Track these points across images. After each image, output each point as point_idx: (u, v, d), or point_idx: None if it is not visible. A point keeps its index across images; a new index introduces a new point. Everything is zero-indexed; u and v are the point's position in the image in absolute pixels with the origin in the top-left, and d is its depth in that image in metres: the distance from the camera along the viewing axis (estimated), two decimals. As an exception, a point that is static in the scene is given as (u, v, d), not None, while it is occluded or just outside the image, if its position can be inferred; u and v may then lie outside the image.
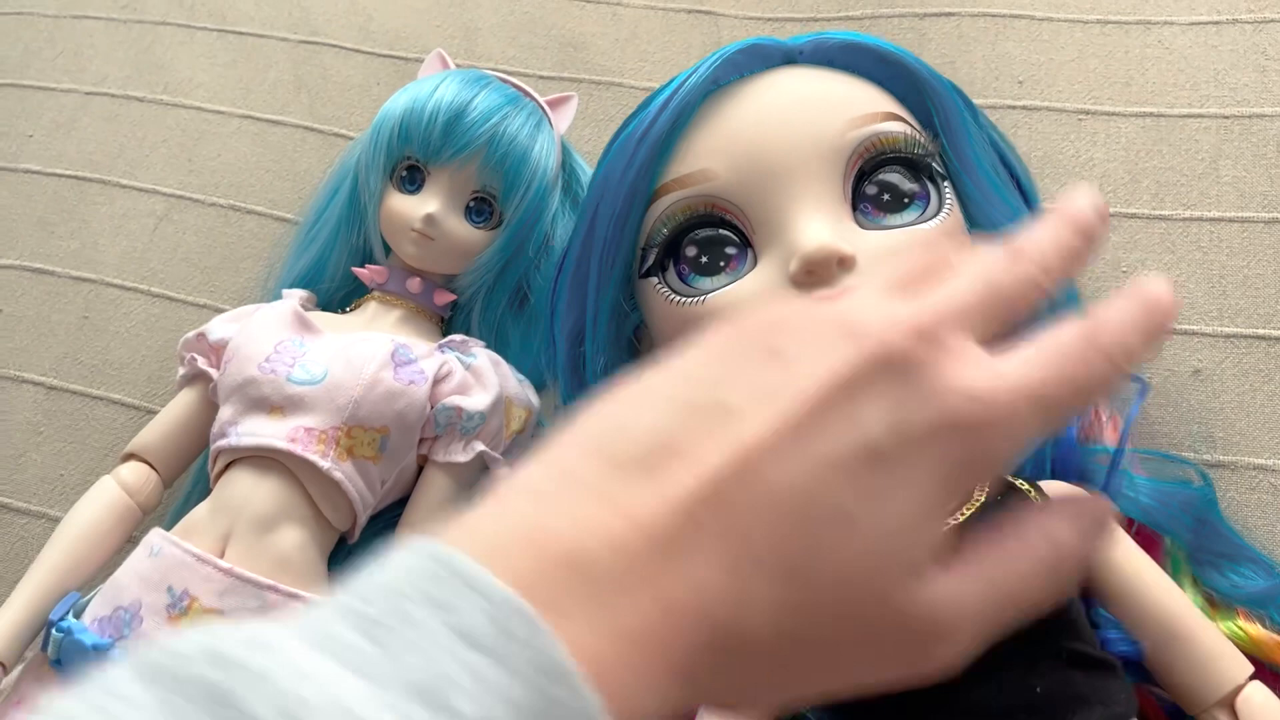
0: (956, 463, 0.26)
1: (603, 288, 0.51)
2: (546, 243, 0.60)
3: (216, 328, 0.57)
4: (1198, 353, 0.57)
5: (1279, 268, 0.58)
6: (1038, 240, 0.29)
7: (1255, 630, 0.48)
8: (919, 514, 0.26)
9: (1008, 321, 0.28)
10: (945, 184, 0.50)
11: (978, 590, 0.27)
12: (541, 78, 0.71)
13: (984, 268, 0.29)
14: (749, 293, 0.47)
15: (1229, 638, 0.46)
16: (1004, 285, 0.28)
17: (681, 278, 0.50)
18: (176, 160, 0.70)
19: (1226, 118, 0.62)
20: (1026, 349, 0.27)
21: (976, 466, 0.26)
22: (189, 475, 0.58)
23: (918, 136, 0.49)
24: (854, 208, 0.48)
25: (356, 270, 0.59)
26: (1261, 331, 0.57)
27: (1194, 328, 0.57)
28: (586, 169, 0.64)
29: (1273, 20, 0.65)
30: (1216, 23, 0.65)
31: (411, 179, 0.58)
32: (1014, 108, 0.65)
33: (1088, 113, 0.64)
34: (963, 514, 0.45)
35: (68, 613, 0.49)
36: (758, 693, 0.27)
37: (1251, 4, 0.65)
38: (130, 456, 0.55)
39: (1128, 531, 0.48)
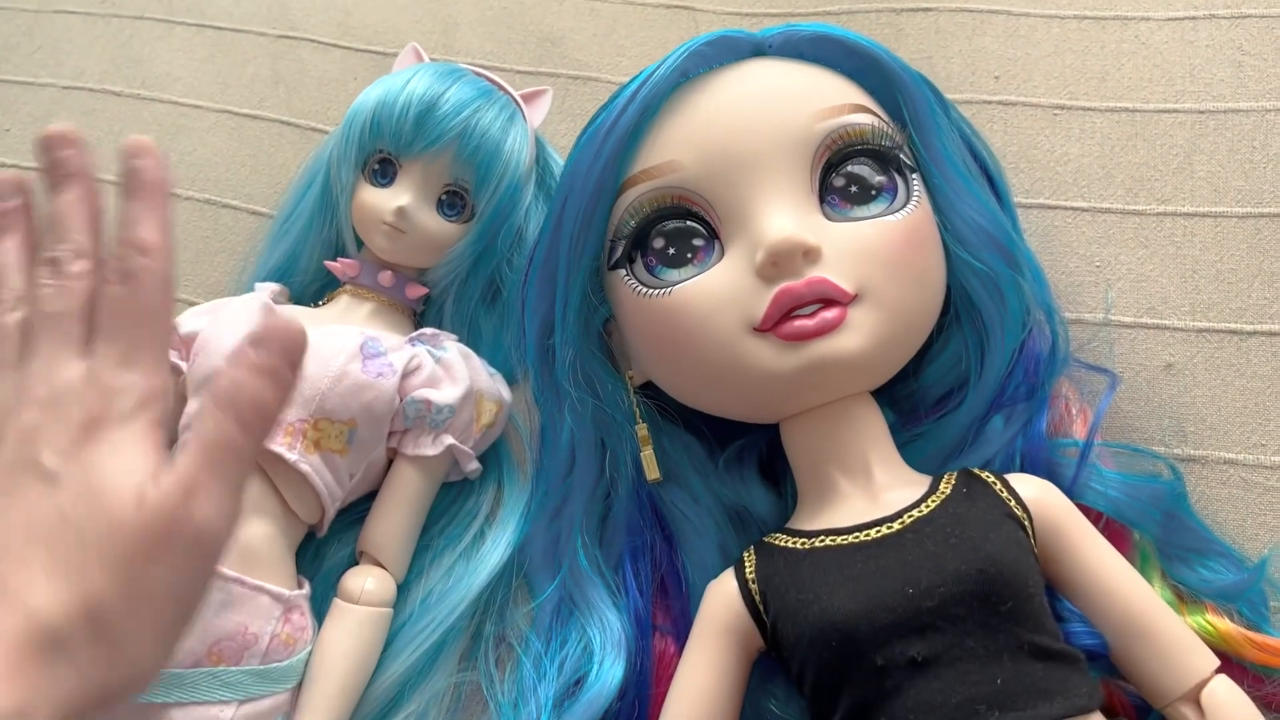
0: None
1: (571, 280, 0.51)
2: (519, 236, 0.60)
3: (187, 320, 0.56)
4: (1170, 347, 0.57)
5: (1252, 262, 0.58)
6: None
7: (1224, 625, 0.48)
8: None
9: None
10: (914, 176, 0.50)
11: (192, 457, 0.36)
12: (519, 72, 0.71)
13: None
14: (716, 284, 0.47)
15: (1197, 632, 0.46)
16: None
17: (649, 269, 0.49)
18: (153, 154, 0.70)
19: (1202, 113, 0.62)
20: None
21: None
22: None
23: (886, 128, 0.49)
24: (821, 200, 0.48)
25: (329, 264, 0.59)
26: (1234, 326, 0.56)
27: (1166, 322, 0.57)
28: (561, 163, 0.63)
29: (1249, 15, 0.64)
30: (1193, 18, 0.65)
31: (384, 172, 0.57)
32: (990, 103, 0.65)
33: (1063, 108, 0.64)
34: (926, 506, 0.45)
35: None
36: (108, 676, 0.34)
37: None
38: (99, 448, 0.55)
39: (1096, 525, 0.47)
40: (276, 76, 0.73)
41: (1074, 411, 0.52)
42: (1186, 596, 0.49)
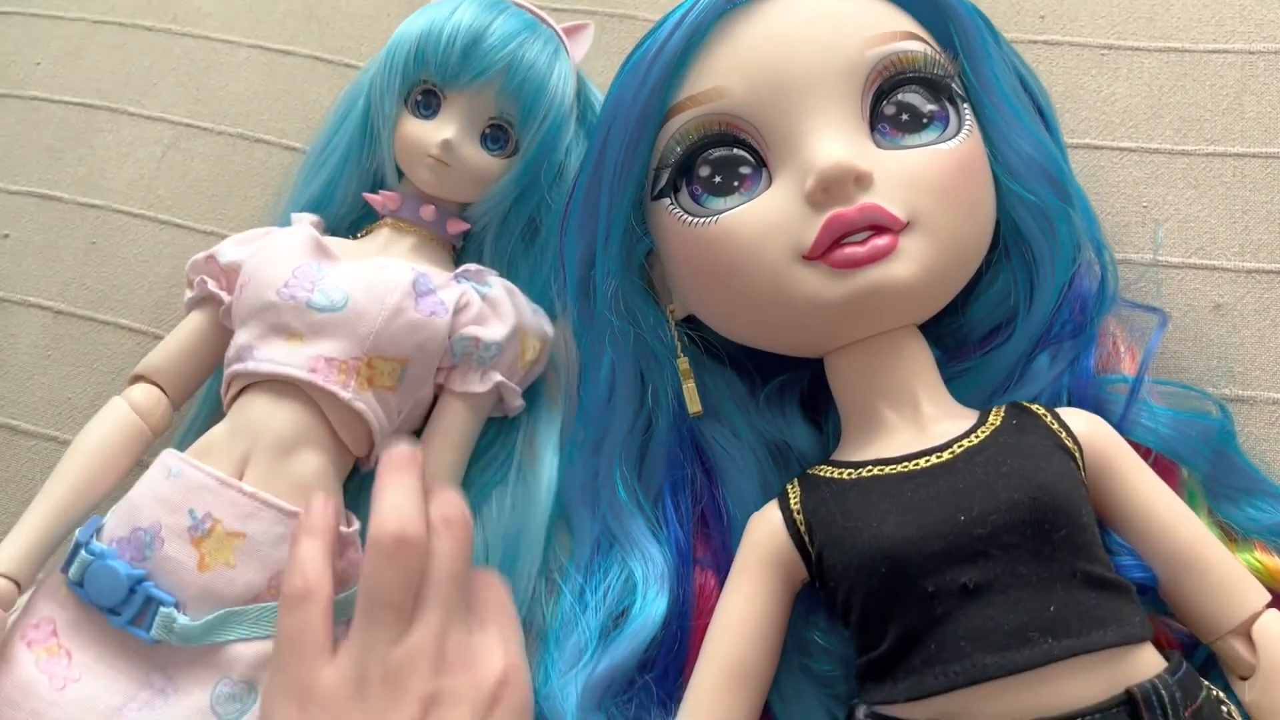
0: None
1: (614, 210, 0.51)
2: (560, 173, 0.59)
3: (227, 250, 0.56)
4: (1219, 287, 0.56)
5: (1302, 203, 0.57)
6: None
7: (1273, 561, 0.48)
8: None
9: None
10: (965, 105, 0.49)
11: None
12: (554, 9, 0.69)
13: None
14: (764, 212, 0.47)
15: (1246, 568, 0.46)
16: None
17: (694, 198, 0.49)
18: (185, 89, 0.69)
19: (1252, 53, 0.61)
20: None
21: None
22: (195, 398, 0.58)
23: (937, 56, 0.49)
24: (872, 128, 0.48)
25: (368, 196, 0.58)
26: (1283, 267, 0.56)
27: (1215, 262, 0.57)
28: (601, 100, 0.63)
29: (1300, -45, 0.64)
30: (1243, -43, 0.64)
31: (427, 104, 0.57)
32: (1035, 42, 0.64)
33: (1111, 48, 0.63)
34: (976, 436, 0.45)
35: (93, 536, 0.49)
36: None
37: (1278, -60, 0.64)
38: (139, 379, 0.55)
39: (1146, 460, 0.47)
40: (309, 12, 0.72)
41: (1122, 349, 0.52)
42: (1235, 534, 0.49)
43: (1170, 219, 0.58)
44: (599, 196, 0.52)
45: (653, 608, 0.49)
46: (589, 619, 0.50)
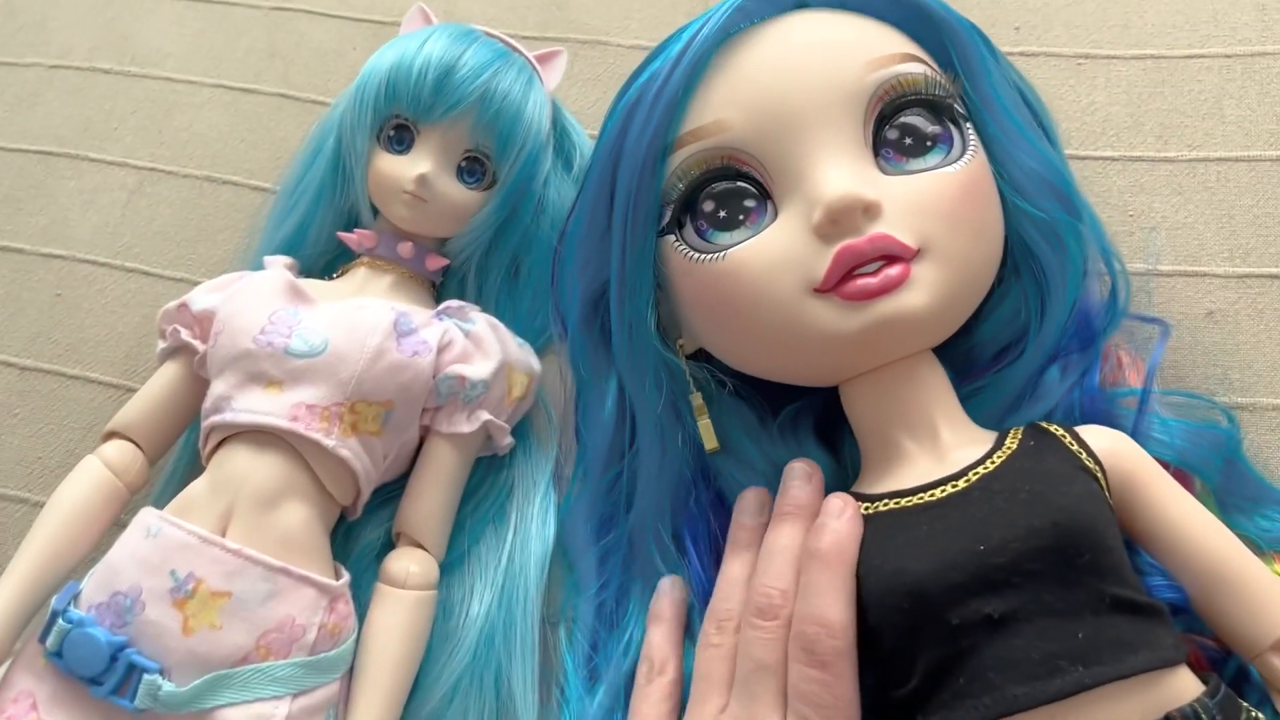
0: None
1: (628, 249, 0.49)
2: (541, 204, 0.58)
3: (199, 297, 0.54)
4: (1211, 294, 0.56)
5: (1289, 205, 0.57)
6: None
7: None
8: None
9: None
10: (968, 125, 0.48)
11: None
12: (524, 37, 0.68)
13: None
14: (772, 245, 0.46)
15: None
16: None
17: (700, 234, 0.48)
18: (147, 132, 0.68)
19: (1229, 57, 0.61)
20: None
21: None
22: (173, 451, 0.56)
23: (938, 77, 0.48)
24: (875, 153, 0.47)
25: (343, 235, 0.57)
26: (1274, 270, 0.56)
27: (1205, 269, 0.56)
28: (578, 128, 0.62)
29: (1269, -41, 0.64)
30: (1213, -37, 0.64)
31: (400, 139, 0.55)
32: (1012, 54, 0.63)
33: (1087, 57, 0.63)
34: (993, 461, 0.44)
35: (70, 603, 0.47)
36: None
37: (1247, -57, 0.64)
38: (112, 435, 0.53)
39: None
40: (272, 49, 0.70)
41: (1125, 362, 0.52)
42: (1250, 547, 0.48)
43: (1157, 227, 0.58)
44: (607, 235, 0.50)
45: (687, 672, 0.48)
46: (613, 675, 0.49)
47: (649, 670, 0.47)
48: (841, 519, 0.44)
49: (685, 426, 0.51)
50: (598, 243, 0.51)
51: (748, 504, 0.49)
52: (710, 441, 0.51)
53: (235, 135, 0.67)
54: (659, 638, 0.48)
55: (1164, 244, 0.57)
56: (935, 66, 0.49)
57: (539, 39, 0.69)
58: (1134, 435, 0.48)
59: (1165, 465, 0.47)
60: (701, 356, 0.52)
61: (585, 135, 0.61)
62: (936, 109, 0.48)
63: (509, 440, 0.55)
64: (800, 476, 0.47)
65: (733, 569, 0.47)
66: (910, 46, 0.49)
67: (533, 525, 0.54)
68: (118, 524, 0.51)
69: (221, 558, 0.46)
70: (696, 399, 0.51)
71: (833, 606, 0.42)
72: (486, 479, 0.56)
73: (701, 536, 0.51)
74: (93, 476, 0.51)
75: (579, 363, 0.54)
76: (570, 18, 0.69)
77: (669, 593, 0.50)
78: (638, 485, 0.52)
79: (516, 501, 0.55)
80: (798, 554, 0.44)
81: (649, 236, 0.49)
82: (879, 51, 0.47)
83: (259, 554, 0.47)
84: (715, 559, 0.51)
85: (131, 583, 0.46)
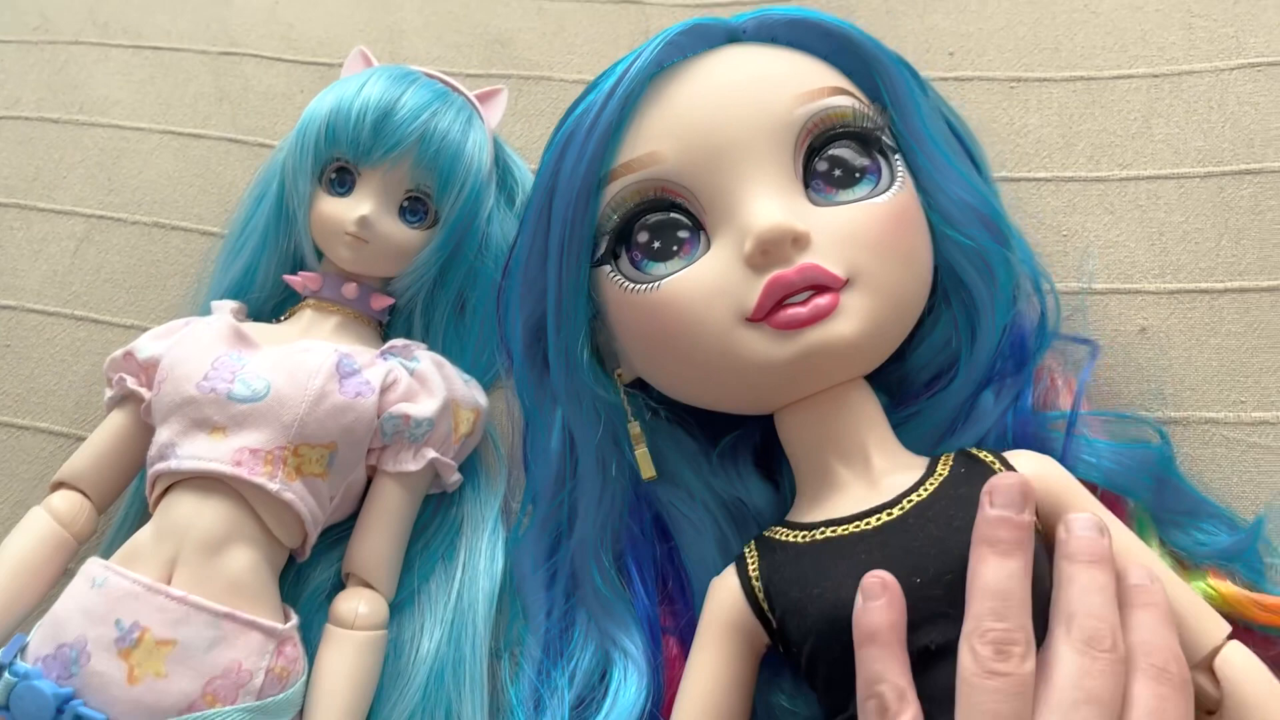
0: None
1: (564, 280, 0.50)
2: (484, 240, 0.59)
3: (145, 345, 0.55)
4: (1143, 311, 0.57)
5: (1217, 220, 0.58)
6: None
7: (1227, 588, 0.48)
8: None
9: None
10: (896, 157, 0.49)
11: None
12: (469, 75, 0.70)
13: None
14: (704, 276, 0.47)
15: (1203, 597, 0.46)
16: None
17: (635, 264, 0.49)
18: (96, 180, 0.68)
19: (1156, 76, 0.62)
20: None
21: None
22: (122, 500, 0.56)
23: (866, 110, 0.49)
24: (805, 184, 0.48)
25: (288, 278, 0.57)
26: (1204, 285, 0.57)
27: (1138, 286, 0.57)
28: (520, 164, 0.62)
29: (1194, -22, 0.65)
30: (1140, -16, 0.66)
31: (341, 181, 0.56)
32: (946, 79, 0.65)
33: (1019, 80, 0.64)
34: (926, 488, 0.45)
35: (16, 656, 0.47)
36: None
37: (1174, -37, 0.66)
38: (60, 485, 0.53)
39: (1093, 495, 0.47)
40: (220, 94, 0.71)
41: (1059, 384, 0.52)
42: (1187, 562, 0.49)
43: (1091, 246, 0.59)
44: (544, 266, 0.51)
45: (632, 701, 0.49)
46: (557, 705, 0.50)
47: (879, 707, 0.39)
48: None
49: (624, 455, 0.52)
50: (537, 273, 0.52)
51: (1013, 496, 0.42)
52: (648, 470, 0.51)
53: (184, 180, 0.68)
54: (883, 665, 0.40)
55: (1098, 262, 0.58)
56: (864, 99, 0.50)
57: (483, 76, 0.69)
58: (1063, 458, 0.48)
59: (1094, 487, 0.48)
60: (640, 386, 0.53)
61: (527, 171, 0.62)
62: (865, 141, 0.48)
63: (457, 477, 0.55)
64: (1097, 528, 0.43)
65: (998, 578, 0.40)
66: (839, 80, 0.50)
67: (481, 561, 0.54)
68: (68, 573, 0.51)
69: (166, 605, 0.47)
70: (634, 428, 0.52)
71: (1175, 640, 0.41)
72: (436, 516, 0.56)
73: (646, 562, 0.52)
74: (39, 529, 0.51)
75: (524, 394, 0.55)
76: (513, 54, 0.70)
77: (881, 596, 0.41)
78: (578, 512, 0.52)
79: (465, 538, 0.55)
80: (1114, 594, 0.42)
81: (584, 267, 0.50)
82: (808, 85, 0.48)
83: (204, 600, 0.47)
84: (661, 584, 0.52)
85: (77, 634, 0.46)
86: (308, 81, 0.71)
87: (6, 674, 0.46)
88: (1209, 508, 0.51)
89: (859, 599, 0.41)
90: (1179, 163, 0.60)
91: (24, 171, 0.69)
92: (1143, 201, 0.59)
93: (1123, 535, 0.45)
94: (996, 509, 0.41)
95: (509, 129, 0.66)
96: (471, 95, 0.60)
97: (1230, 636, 0.44)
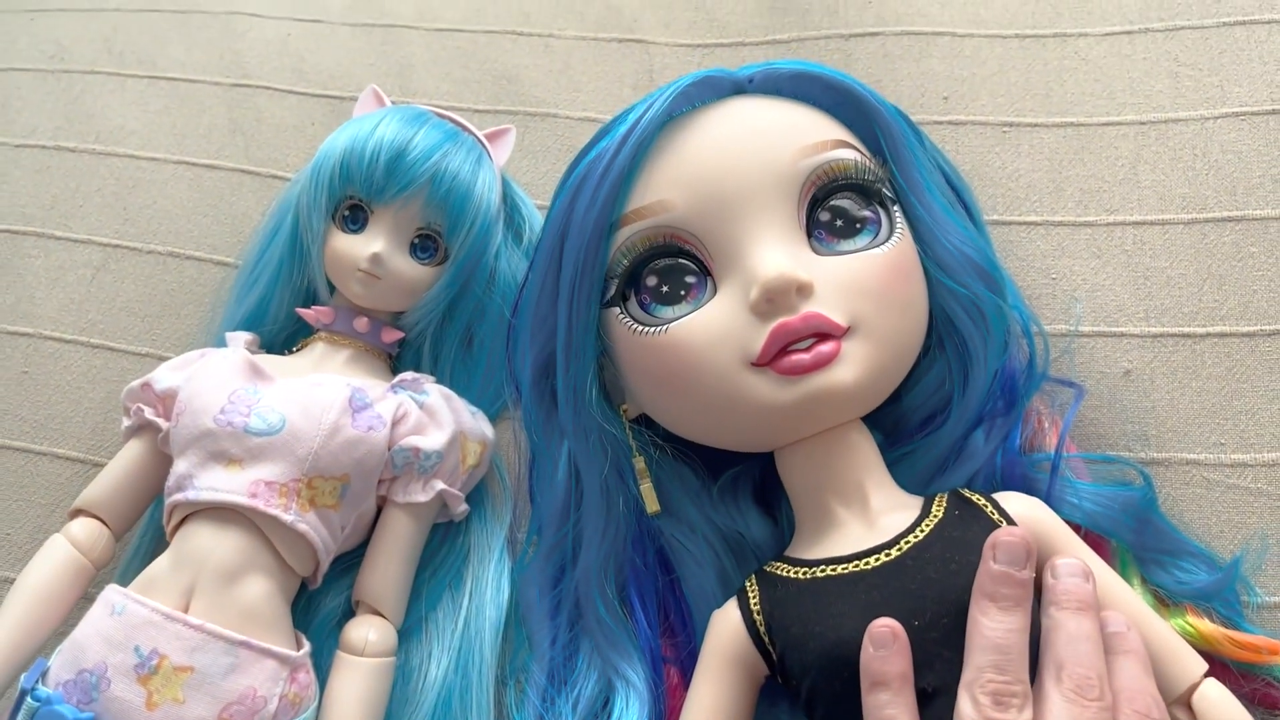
0: None
1: (575, 321, 0.52)
2: (492, 276, 0.60)
3: (162, 377, 0.56)
4: (1128, 354, 0.59)
5: (1200, 266, 0.60)
6: None
7: (1205, 625, 0.50)
8: None
9: None
10: (895, 208, 0.51)
11: None
12: (476, 111, 0.71)
13: None
14: (711, 321, 0.48)
15: (1181, 635, 0.48)
16: None
17: (643, 307, 0.50)
18: (111, 209, 0.70)
19: (1143, 124, 0.64)
20: None
21: None
22: (138, 526, 0.58)
23: (868, 163, 0.51)
24: (809, 234, 0.50)
25: (302, 311, 0.59)
26: (1186, 330, 0.59)
27: (1123, 330, 0.59)
28: (528, 202, 0.64)
29: (1182, 27, 0.67)
30: (1129, 32, 0.68)
31: (354, 218, 0.58)
32: (940, 123, 0.67)
33: (1011, 125, 0.66)
34: (922, 530, 0.47)
35: (38, 681, 0.48)
36: None
37: (1162, 12, 0.68)
38: (79, 512, 0.55)
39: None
40: (233, 125, 0.73)
41: (1046, 425, 0.54)
42: (1167, 600, 0.51)
43: (1078, 289, 0.60)
44: (555, 305, 0.53)
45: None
46: None
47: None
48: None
49: (629, 488, 0.54)
50: (547, 313, 0.54)
51: (1016, 553, 0.44)
52: (652, 504, 0.53)
53: (198, 211, 0.69)
54: (895, 710, 0.42)
55: (1085, 306, 0.60)
56: (865, 151, 0.52)
57: (491, 112, 0.71)
58: (1047, 499, 0.50)
59: (1077, 527, 0.50)
60: (645, 421, 0.54)
61: (535, 209, 0.64)
62: (866, 193, 0.50)
63: (464, 508, 0.57)
64: (1083, 574, 0.45)
65: (1000, 632, 0.42)
66: (841, 132, 0.52)
67: (488, 590, 0.56)
68: (85, 598, 0.53)
69: (184, 633, 0.48)
70: (639, 462, 0.54)
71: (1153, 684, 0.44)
72: (443, 545, 0.58)
73: (649, 594, 0.54)
74: (59, 556, 0.53)
75: (532, 428, 0.57)
76: (521, 92, 0.72)
77: (892, 645, 0.43)
78: (583, 543, 0.54)
79: (472, 567, 0.57)
80: (1099, 640, 0.44)
81: (593, 308, 0.52)
82: (811, 138, 0.50)
83: (220, 628, 0.49)
84: (662, 615, 0.53)
85: (97, 660, 0.48)
86: (319, 114, 0.72)
87: (29, 699, 0.48)
88: (1189, 547, 0.53)
89: (868, 645, 0.43)
90: (1164, 209, 0.62)
91: (41, 200, 0.70)
92: (1129, 246, 0.61)
93: (1105, 575, 0.47)
94: (1000, 565, 0.43)
95: (515, 165, 0.68)
96: (481, 134, 0.61)
97: (1207, 673, 0.46)
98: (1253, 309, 0.59)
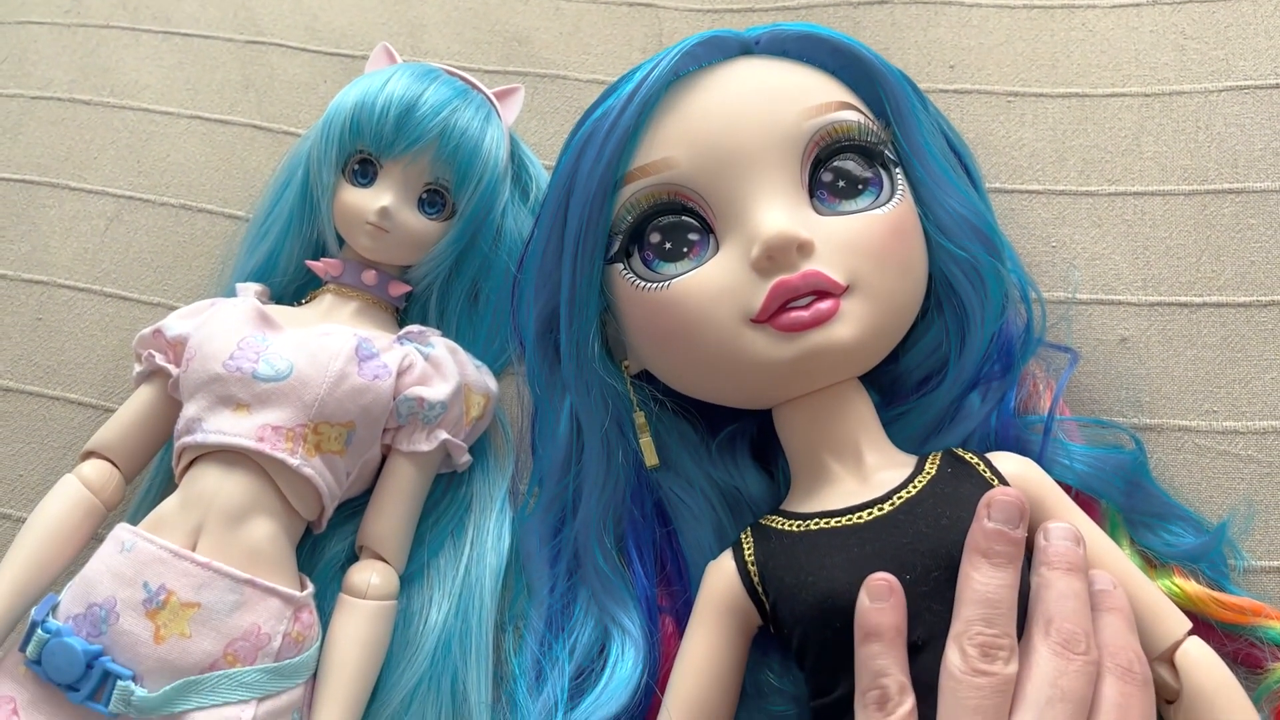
0: None
1: (579, 276, 0.53)
2: (499, 233, 0.61)
3: (173, 324, 0.57)
4: (1124, 321, 0.59)
5: (1199, 237, 0.61)
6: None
7: (1191, 586, 0.51)
8: None
9: None
10: (897, 170, 0.52)
11: None
12: (487, 72, 0.72)
13: None
14: (712, 277, 0.49)
15: (1167, 595, 0.49)
16: None
17: (646, 263, 0.51)
18: (125, 161, 0.71)
19: (1148, 96, 0.65)
20: None
21: None
22: (148, 470, 0.59)
23: (871, 125, 0.52)
24: (811, 194, 0.50)
25: (311, 264, 0.60)
26: (1183, 299, 0.59)
27: (1120, 298, 0.60)
28: (535, 161, 0.65)
29: (1190, 0, 0.68)
30: (1137, 4, 0.68)
31: (364, 172, 0.59)
32: (946, 91, 0.67)
33: (1016, 95, 0.67)
34: (915, 486, 0.47)
35: (48, 614, 0.50)
36: None
37: (1169, -15, 0.68)
38: (90, 454, 0.56)
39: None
40: (246, 81, 0.73)
41: (1041, 388, 0.55)
42: (1154, 561, 0.52)
43: (1078, 257, 0.61)
44: (560, 261, 0.54)
45: (628, 675, 0.51)
46: (557, 677, 0.52)
47: (880, 698, 0.42)
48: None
49: (629, 443, 0.55)
50: (551, 269, 0.55)
51: (1011, 512, 0.45)
52: (651, 458, 0.54)
53: (210, 165, 0.70)
54: (887, 660, 0.43)
55: (1083, 274, 0.61)
56: (869, 114, 0.52)
57: (500, 73, 0.72)
58: (1039, 460, 0.51)
59: (1068, 488, 0.51)
60: (646, 377, 0.55)
61: (541, 167, 0.65)
62: (868, 154, 0.51)
63: (467, 458, 0.58)
64: (1074, 537, 0.46)
65: (990, 587, 0.43)
66: (846, 94, 0.52)
67: (489, 538, 0.57)
68: (95, 538, 0.54)
69: (191, 570, 0.49)
70: (639, 417, 0.55)
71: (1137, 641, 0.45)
72: (446, 495, 0.59)
73: (646, 546, 0.55)
74: (71, 495, 0.54)
75: (535, 382, 0.58)
76: (531, 53, 0.73)
77: (888, 599, 0.44)
78: (583, 494, 0.55)
79: (474, 516, 0.58)
80: (1086, 599, 0.45)
81: (597, 264, 0.53)
82: (816, 99, 0.51)
83: (227, 567, 0.50)
84: (659, 566, 0.55)
85: (106, 595, 0.49)
86: (331, 72, 0.73)
87: (39, 630, 0.49)
88: (1178, 511, 0.54)
89: (864, 598, 0.44)
90: (1165, 180, 0.62)
91: (56, 151, 0.71)
92: (1129, 216, 0.62)
93: (1094, 535, 0.48)
94: (994, 523, 0.44)
95: (524, 125, 0.69)
96: (490, 93, 0.62)
97: (1191, 632, 0.47)
98: (1250, 280, 0.59)
